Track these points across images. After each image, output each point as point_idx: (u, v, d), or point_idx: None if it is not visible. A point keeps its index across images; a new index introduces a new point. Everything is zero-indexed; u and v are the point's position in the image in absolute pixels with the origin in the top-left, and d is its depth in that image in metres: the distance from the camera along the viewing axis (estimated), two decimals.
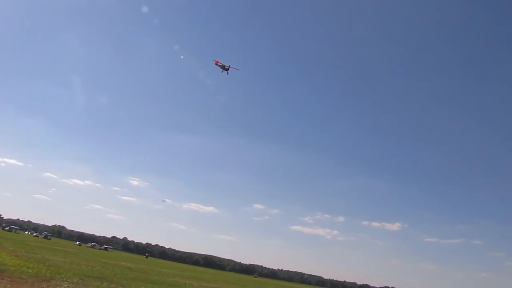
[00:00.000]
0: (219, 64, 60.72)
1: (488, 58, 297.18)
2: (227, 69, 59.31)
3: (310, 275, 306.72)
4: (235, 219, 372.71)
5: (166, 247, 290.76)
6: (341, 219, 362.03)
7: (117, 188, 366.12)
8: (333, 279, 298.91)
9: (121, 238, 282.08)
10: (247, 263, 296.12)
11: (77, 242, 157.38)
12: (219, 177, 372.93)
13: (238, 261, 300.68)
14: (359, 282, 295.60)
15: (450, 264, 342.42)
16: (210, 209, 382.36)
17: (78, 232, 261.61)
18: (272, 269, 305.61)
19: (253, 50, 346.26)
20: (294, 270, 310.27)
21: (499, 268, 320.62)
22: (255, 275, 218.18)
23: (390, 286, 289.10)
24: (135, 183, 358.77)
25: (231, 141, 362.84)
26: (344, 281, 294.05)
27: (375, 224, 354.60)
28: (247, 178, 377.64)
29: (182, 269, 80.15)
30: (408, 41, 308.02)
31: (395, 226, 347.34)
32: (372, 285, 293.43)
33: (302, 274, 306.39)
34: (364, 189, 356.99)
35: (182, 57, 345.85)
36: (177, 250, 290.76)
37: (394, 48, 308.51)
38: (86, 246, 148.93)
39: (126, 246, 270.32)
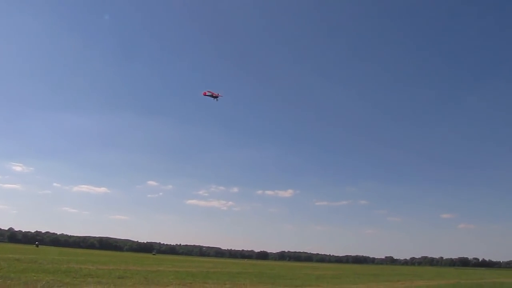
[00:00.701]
0: (207, 94, 63.94)
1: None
2: (216, 97, 63.32)
3: (209, 247, 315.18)
4: (128, 198, 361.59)
5: (58, 233, 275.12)
6: (236, 190, 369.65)
7: None
8: (231, 249, 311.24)
9: (6, 229, 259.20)
10: (145, 242, 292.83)
11: None
12: (109, 156, 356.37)
13: (136, 240, 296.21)
14: (257, 250, 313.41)
15: (340, 224, 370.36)
16: (102, 189, 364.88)
17: None
18: (170, 245, 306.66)
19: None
20: (192, 244, 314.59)
21: (382, 223, 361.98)
22: (154, 253, 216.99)
23: (286, 250, 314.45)
24: (18, 169, 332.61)
25: (119, 118, 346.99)
26: (242, 250, 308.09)
27: (268, 192, 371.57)
28: (139, 155, 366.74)
29: (76, 254, 76.87)
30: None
31: (288, 193, 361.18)
32: (269, 251, 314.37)
33: (200, 247, 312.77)
34: (256, 159, 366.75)
35: (60, 33, 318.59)
36: (70, 235, 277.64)
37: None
38: None
39: (12, 237, 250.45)
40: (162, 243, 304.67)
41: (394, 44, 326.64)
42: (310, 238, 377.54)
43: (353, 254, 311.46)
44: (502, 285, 30.34)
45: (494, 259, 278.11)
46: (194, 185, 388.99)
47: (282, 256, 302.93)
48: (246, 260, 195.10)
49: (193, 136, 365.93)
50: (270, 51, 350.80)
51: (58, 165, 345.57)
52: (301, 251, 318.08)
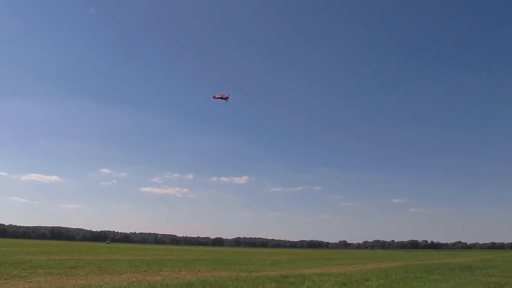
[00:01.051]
0: (217, 97, 63.85)
1: None
2: (226, 98, 63.58)
3: (164, 234, 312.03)
4: (81, 186, 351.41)
5: (6, 224, 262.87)
6: (190, 176, 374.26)
7: None
8: (187, 236, 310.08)
9: None
10: (98, 230, 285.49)
11: None
12: (60, 144, 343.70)
13: (89, 229, 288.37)
14: (212, 236, 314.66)
15: (294, 210, 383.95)
16: (53, 178, 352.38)
17: None
18: (125, 233, 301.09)
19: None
20: (147, 232, 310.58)
21: (336, 209, 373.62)
22: (108, 241, 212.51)
23: (242, 237, 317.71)
24: None
25: (70, 105, 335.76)
26: (198, 237, 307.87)
27: (223, 179, 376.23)
28: (91, 143, 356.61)
29: (26, 245, 73.91)
30: None
31: (243, 180, 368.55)
32: (225, 237, 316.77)
33: (155, 235, 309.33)
34: (211, 146, 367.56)
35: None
36: (20, 226, 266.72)
37: None
38: None
39: None
40: (116, 231, 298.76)
41: (346, 29, 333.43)
42: (265, 224, 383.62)
43: (308, 239, 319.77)
44: (448, 264, 32.95)
45: (442, 241, 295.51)
46: (149, 172, 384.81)
47: (238, 242, 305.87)
48: (201, 247, 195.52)
49: (147, 122, 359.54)
50: (223, 36, 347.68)
51: (4, 153, 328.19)
52: (257, 237, 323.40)
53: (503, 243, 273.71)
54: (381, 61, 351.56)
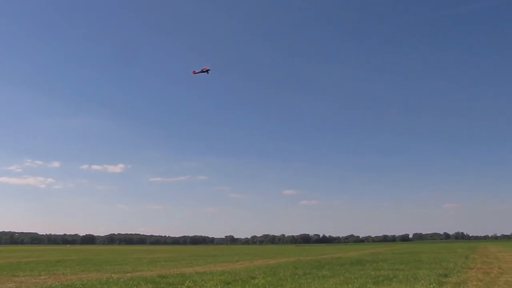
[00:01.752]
0: (197, 72, 66.22)
1: None
2: (207, 71, 66.12)
3: (22, 233, 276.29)
4: None
5: None
6: (56, 164, 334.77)
7: None
8: (51, 234, 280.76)
9: None
10: None
11: None
12: None
13: None
14: (82, 233, 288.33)
15: (177, 202, 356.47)
16: None
17: None
18: None
19: None
20: (1, 231, 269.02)
21: (223, 200, 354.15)
22: None
23: (117, 233, 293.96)
24: None
25: None
26: (64, 234, 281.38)
27: (95, 167, 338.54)
28: None
29: None
30: None
31: (118, 168, 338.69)
32: (97, 234, 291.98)
33: (11, 234, 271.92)
34: (81, 129, 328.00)
35: None
36: None
37: None
38: None
39: None
40: None
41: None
42: (143, 219, 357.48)
43: (191, 234, 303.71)
44: (339, 259, 34.18)
45: (334, 235, 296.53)
46: (3, 159, 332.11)
47: (112, 239, 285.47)
48: (68, 246, 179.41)
49: (1, 101, 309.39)
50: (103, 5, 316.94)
51: None
52: (133, 233, 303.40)
53: (394, 235, 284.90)
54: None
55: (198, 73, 66.66)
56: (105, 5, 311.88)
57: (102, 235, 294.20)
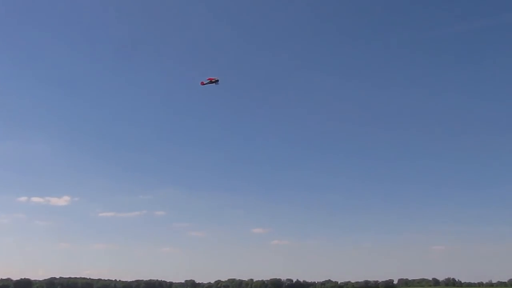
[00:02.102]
0: (205, 83, 70.18)
1: None
2: (216, 81, 68.65)
3: None
4: None
5: None
6: None
7: None
8: None
9: None
10: None
11: None
12: None
13: None
14: (16, 277, 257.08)
15: (130, 241, 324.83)
16: None
17: None
18: None
19: None
20: None
21: (183, 239, 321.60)
22: None
23: (58, 276, 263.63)
24: None
25: None
26: None
27: (36, 199, 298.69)
28: None
29: None
30: None
31: (63, 201, 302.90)
32: (34, 278, 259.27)
33: None
34: (19, 155, 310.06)
35: None
36: None
37: None
38: None
39: None
40: None
41: None
42: (90, 260, 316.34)
43: (146, 278, 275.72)
44: None
45: (309, 280, 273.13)
46: None
47: (52, 284, 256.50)
48: None
49: None
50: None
51: None
52: (78, 276, 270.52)
53: (377, 281, 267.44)
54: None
55: (206, 84, 68.94)
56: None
57: (41, 279, 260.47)
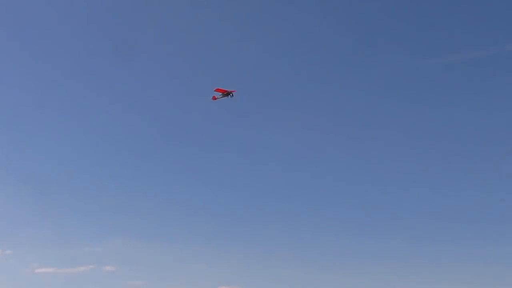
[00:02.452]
0: (217, 97, 61.72)
1: None
2: (230, 93, 60.99)
3: None
4: None
5: None
6: None
7: None
8: None
9: None
10: None
11: None
12: None
13: None
14: None
15: None
16: None
17: None
18: None
19: None
20: None
21: None
22: None
23: None
24: None
25: None
26: None
27: None
28: None
29: None
30: None
31: None
32: None
33: None
34: None
35: None
36: None
37: None
38: None
39: None
40: None
41: None
42: None
43: None
44: None
45: None
46: None
47: None
48: None
49: None
50: None
51: None
52: None
53: None
54: None
55: (219, 98, 61.33)
56: None
57: None
